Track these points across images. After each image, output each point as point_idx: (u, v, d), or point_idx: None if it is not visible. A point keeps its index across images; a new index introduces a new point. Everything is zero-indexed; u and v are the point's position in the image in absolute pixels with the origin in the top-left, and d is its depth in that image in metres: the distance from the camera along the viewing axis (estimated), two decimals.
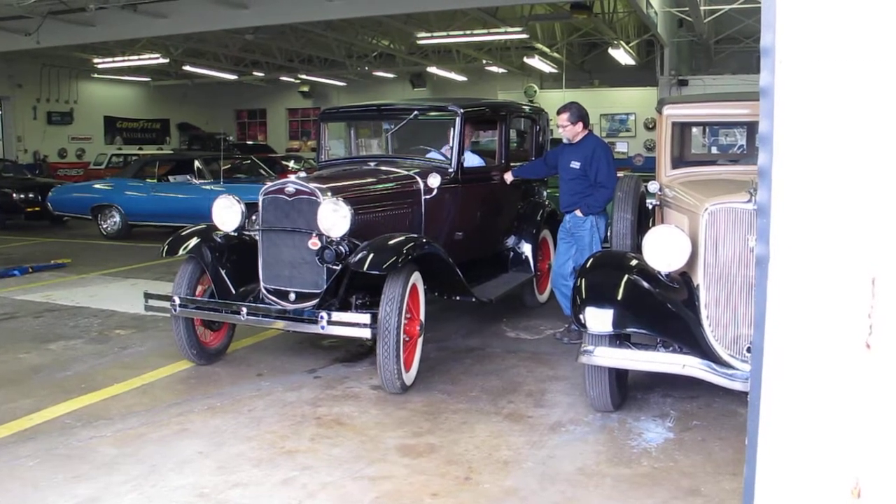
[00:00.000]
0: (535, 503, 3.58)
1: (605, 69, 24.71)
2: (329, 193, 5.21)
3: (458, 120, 6.37)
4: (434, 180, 5.97)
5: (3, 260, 11.14)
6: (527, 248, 7.35)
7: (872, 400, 1.25)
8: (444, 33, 18.47)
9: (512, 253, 7.40)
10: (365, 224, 5.30)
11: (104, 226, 13.82)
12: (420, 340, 5.31)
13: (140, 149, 26.93)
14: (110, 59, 21.93)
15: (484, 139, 8.41)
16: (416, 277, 5.20)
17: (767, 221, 1.40)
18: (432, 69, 24.85)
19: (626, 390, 4.91)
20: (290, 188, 5.34)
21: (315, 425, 4.49)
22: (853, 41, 1.31)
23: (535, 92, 23.34)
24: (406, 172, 6.16)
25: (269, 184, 5.53)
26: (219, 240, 5.65)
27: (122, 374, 5.44)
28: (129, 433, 4.36)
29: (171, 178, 13.76)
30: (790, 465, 1.36)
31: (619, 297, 4.44)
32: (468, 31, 18.38)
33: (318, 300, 5.18)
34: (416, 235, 5.48)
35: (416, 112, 6.69)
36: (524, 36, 18.50)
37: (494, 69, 24.96)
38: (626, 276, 4.54)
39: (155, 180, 13.84)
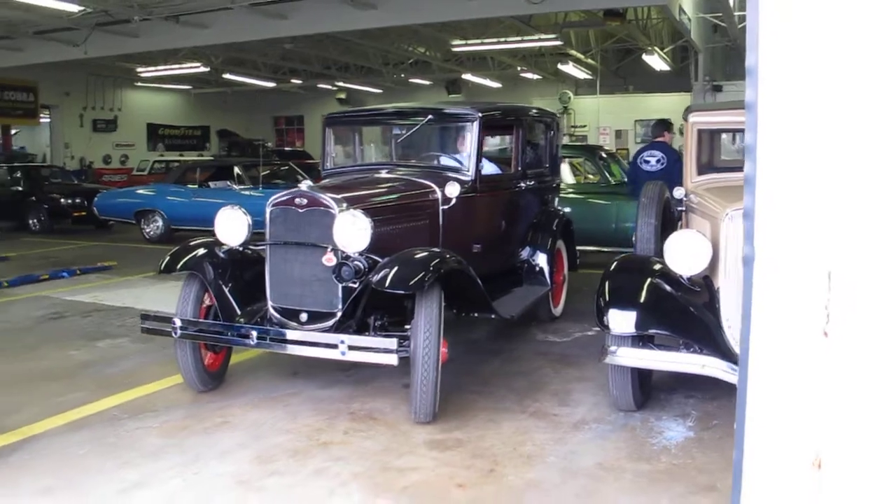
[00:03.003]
0: (556, 495, 3.75)
1: (639, 75, 24.73)
2: (345, 205, 4.82)
3: (476, 124, 5.98)
4: (453, 189, 5.63)
5: (53, 262, 11.56)
6: (542, 260, 6.99)
7: (830, 382, 1.42)
8: (479, 41, 18.70)
9: (526, 265, 7.00)
10: (383, 237, 4.83)
11: (147, 230, 14.22)
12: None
13: (181, 155, 27.50)
14: (153, 68, 22.51)
15: (493, 145, 8.11)
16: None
17: (752, 224, 1.57)
18: (467, 76, 25.06)
19: (650, 391, 5.05)
20: (302, 199, 4.90)
21: (348, 420, 4.70)
22: (827, 63, 1.47)
23: (570, 98, 23.43)
24: (422, 181, 5.77)
25: (278, 194, 5.07)
26: (222, 255, 5.18)
27: (165, 370, 5.64)
28: (173, 425, 4.60)
29: (211, 183, 14.13)
30: (767, 442, 1.53)
31: (642, 300, 4.59)
32: (502, 39, 18.59)
33: (333, 321, 4.80)
34: (440, 250, 5.03)
35: (429, 116, 6.27)
36: (558, 43, 18.65)
37: (529, 76, 25.11)
38: (648, 280, 4.69)
39: (196, 186, 14.24)
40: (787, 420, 1.48)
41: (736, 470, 1.58)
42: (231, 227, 5.13)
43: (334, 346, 4.50)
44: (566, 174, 11.41)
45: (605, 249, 9.86)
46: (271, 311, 4.98)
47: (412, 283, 4.44)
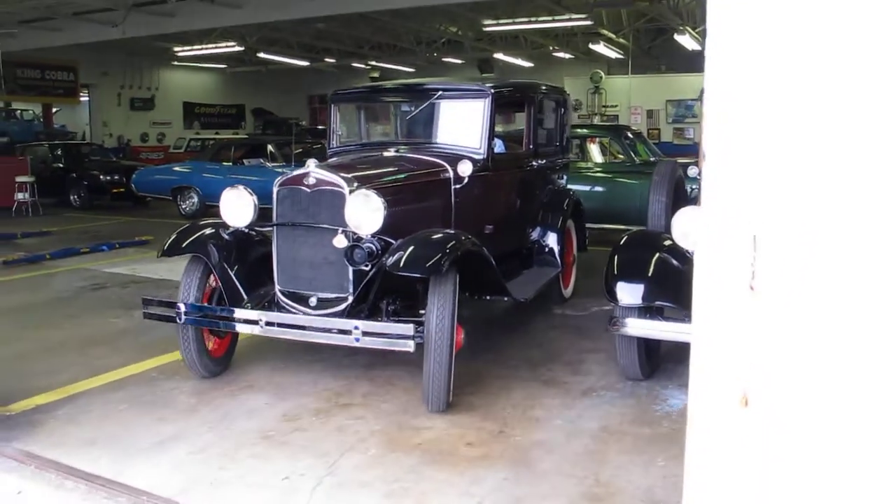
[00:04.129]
0: (560, 453, 4.01)
1: (672, 54, 24.61)
2: (356, 184, 4.66)
3: (488, 101, 5.79)
4: (465, 168, 5.45)
5: (92, 237, 12.01)
6: (553, 241, 6.85)
7: (756, 330, 1.66)
8: (510, 20, 18.79)
9: (536, 246, 6.85)
10: (395, 218, 4.62)
11: (183, 206, 14.63)
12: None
13: (217, 133, 27.94)
14: (189, 48, 22.86)
15: (503, 123, 7.86)
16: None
17: (700, 195, 1.81)
18: (499, 55, 25.14)
19: (658, 362, 5.26)
20: (311, 178, 4.71)
21: (368, 385, 4.98)
22: (762, 31, 1.68)
23: (601, 78, 23.41)
24: (434, 160, 5.60)
25: (286, 174, 4.93)
26: (227, 237, 4.99)
27: None
28: (204, 386, 4.92)
29: (245, 161, 14.48)
30: (705, 387, 1.77)
31: (650, 273, 4.80)
32: (533, 18, 18.65)
33: (344, 306, 4.65)
34: (455, 231, 4.91)
35: (439, 92, 6.01)
36: (589, 23, 18.69)
37: (561, 55, 25.12)
38: (657, 254, 4.90)
39: (231, 163, 14.59)
40: (720, 365, 1.71)
41: (689, 415, 1.82)
42: (236, 207, 4.97)
43: (347, 333, 4.35)
44: (595, 153, 11.59)
45: (632, 228, 10.04)
46: (279, 295, 4.85)
47: (429, 265, 4.28)
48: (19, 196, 15.09)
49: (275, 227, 4.87)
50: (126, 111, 27.58)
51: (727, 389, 1.68)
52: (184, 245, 4.90)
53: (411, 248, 4.37)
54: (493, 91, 5.85)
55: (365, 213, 4.49)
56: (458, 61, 27.61)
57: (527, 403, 4.71)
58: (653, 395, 4.84)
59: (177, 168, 15.66)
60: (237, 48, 22.41)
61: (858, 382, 1.60)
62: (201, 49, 22.60)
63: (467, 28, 22.31)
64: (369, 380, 5.09)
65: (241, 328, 4.76)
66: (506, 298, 5.53)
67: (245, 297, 4.87)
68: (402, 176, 5.34)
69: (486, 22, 19.28)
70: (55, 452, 3.95)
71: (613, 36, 21.59)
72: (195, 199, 14.50)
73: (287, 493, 3.55)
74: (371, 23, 21.25)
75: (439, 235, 4.69)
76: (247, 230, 5.05)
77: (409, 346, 4.22)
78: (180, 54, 24.15)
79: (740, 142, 1.65)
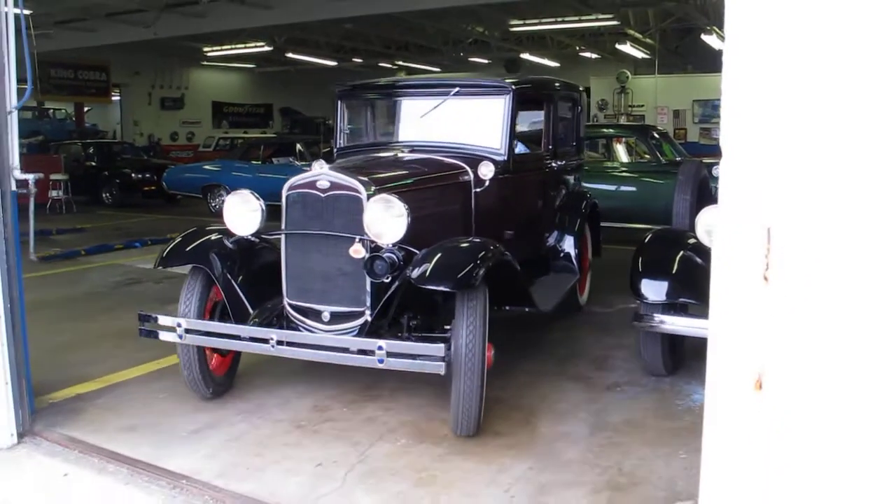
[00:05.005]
0: (583, 444, 4.12)
1: (699, 54, 24.50)
2: (374, 188, 4.28)
3: (508, 98, 5.42)
4: (487, 170, 5.17)
5: (125, 234, 12.26)
6: (571, 246, 6.51)
7: (769, 316, 1.76)
8: (537, 20, 18.86)
9: (553, 251, 6.51)
10: (416, 225, 4.20)
11: (213, 204, 14.86)
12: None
13: (245, 132, 28.26)
14: (219, 48, 23.15)
15: (521, 122, 6.96)
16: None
17: (718, 189, 1.91)
18: (526, 55, 25.20)
19: (681, 358, 5.34)
20: (324, 181, 4.32)
21: (396, 380, 5.06)
22: (777, 29, 1.78)
23: (628, 77, 23.42)
24: (453, 161, 5.23)
25: (297, 176, 4.49)
26: (231, 246, 4.60)
27: None
28: (238, 378, 5.07)
29: (274, 160, 14.70)
30: (722, 371, 1.87)
31: (674, 270, 4.89)
32: (560, 18, 18.69)
33: (361, 321, 4.27)
34: (484, 240, 4.47)
35: (456, 89, 5.60)
36: (615, 23, 18.71)
37: (587, 55, 25.13)
38: (681, 252, 4.98)
39: (259, 162, 14.81)
40: (735, 350, 1.81)
41: (706, 397, 1.93)
42: (242, 214, 4.57)
43: (370, 353, 3.94)
44: (621, 153, 11.66)
45: (656, 227, 10.11)
46: (287, 309, 4.47)
47: (460, 278, 3.92)
48: (53, 193, 15.39)
49: (284, 236, 4.49)
50: (156, 110, 27.98)
51: (742, 373, 1.78)
52: (184, 254, 4.57)
53: (438, 259, 4.02)
54: (514, 87, 5.49)
55: (387, 220, 4.12)
56: (485, 61, 27.69)
57: (553, 397, 4.82)
58: (675, 391, 4.92)
59: (207, 166, 15.90)
60: (266, 48, 22.65)
61: (868, 369, 1.69)
62: (231, 49, 22.88)
63: (494, 28, 22.38)
64: (398, 375, 5.20)
65: (250, 347, 4.29)
66: (527, 309, 5.16)
67: (251, 311, 4.48)
68: (421, 179, 4.95)
69: (513, 22, 19.35)
70: (97, 438, 4.12)
71: (640, 36, 21.57)
72: (225, 197, 14.68)
73: (320, 479, 3.69)
74: (398, 23, 21.39)
75: (468, 244, 4.35)
76: (252, 238, 4.64)
77: (440, 368, 3.82)
78: (210, 54, 24.45)
79: (755, 139, 1.75)
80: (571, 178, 7.12)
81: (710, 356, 1.85)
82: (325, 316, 4.35)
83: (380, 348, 3.89)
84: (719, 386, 1.84)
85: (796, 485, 1.79)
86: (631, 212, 10.00)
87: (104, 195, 16.99)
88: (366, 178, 4.36)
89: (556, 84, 6.79)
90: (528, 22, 19.05)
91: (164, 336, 4.34)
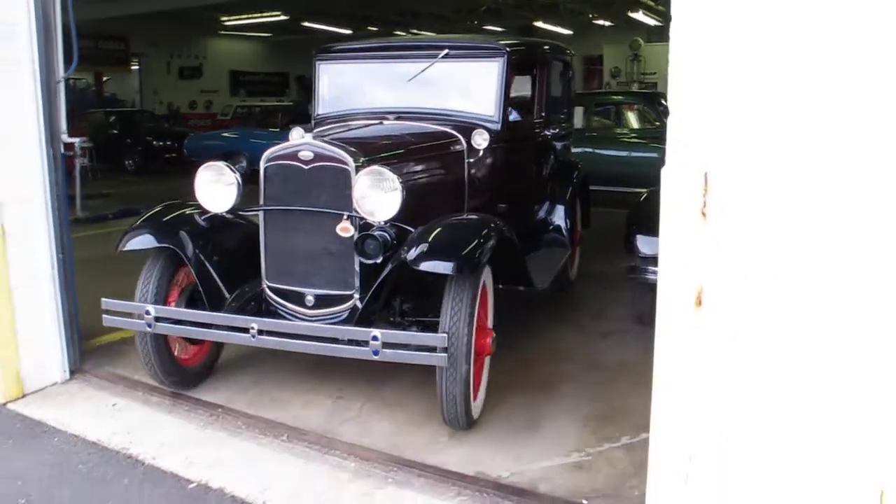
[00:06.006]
0: (580, 380, 4.58)
1: None
2: (363, 159, 3.88)
3: (502, 61, 5.03)
4: (481, 139, 4.81)
5: (148, 198, 12.70)
6: (562, 219, 6.17)
7: (706, 245, 2.16)
8: None
9: (544, 224, 6.18)
10: (410, 198, 3.83)
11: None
12: (487, 359, 4.12)
13: (262, 100, 28.60)
14: (236, 17, 23.46)
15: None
16: (485, 273, 3.95)
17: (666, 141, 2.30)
18: (538, 23, 25.35)
19: None
20: (306, 152, 3.89)
21: None
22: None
23: (640, 45, 23.55)
24: (444, 129, 4.82)
25: (276, 147, 4.03)
26: (203, 224, 4.20)
27: None
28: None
29: (291, 127, 15.07)
30: (666, 291, 2.28)
31: None
32: None
33: (349, 304, 3.90)
34: (485, 217, 4.18)
35: (446, 51, 5.09)
36: None
37: (601, 22, 25.25)
38: None
39: (277, 129, 15.21)
40: (680, 273, 2.21)
41: (657, 314, 2.34)
42: (216, 188, 4.14)
43: (363, 344, 3.52)
44: (631, 119, 12.03)
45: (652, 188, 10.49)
46: (267, 292, 4.09)
47: (461, 259, 3.61)
48: (80, 160, 15.84)
49: (262, 213, 4.08)
50: (175, 80, 28.33)
51: (685, 292, 2.20)
52: (148, 234, 4.08)
53: (436, 238, 3.71)
54: (508, 50, 5.10)
55: (378, 194, 3.74)
56: (498, 29, 27.85)
57: (554, 342, 5.26)
58: None
59: (225, 134, 16.32)
60: (282, 17, 22.94)
61: (785, 287, 2.09)
62: (248, 18, 23.18)
63: None
64: None
65: (227, 337, 3.91)
66: (521, 288, 4.72)
67: (227, 295, 4.10)
68: (413, 149, 4.55)
69: None
70: (140, 376, 4.57)
71: (652, 3, 21.69)
72: (244, 164, 15.02)
73: (339, 410, 4.15)
74: None
75: (467, 221, 4.08)
76: (228, 215, 4.21)
77: (442, 360, 3.49)
78: (227, 24, 24.76)
79: (694, 100, 2.14)
80: (562, 148, 6.76)
81: (660, 280, 2.26)
82: (309, 300, 3.97)
83: (374, 338, 3.47)
84: (667, 304, 2.25)
85: (728, 385, 2.21)
86: (637, 176, 10.35)
87: (127, 162, 17.46)
88: (353, 149, 3.94)
89: (548, 47, 6.41)
90: None
91: (131, 324, 3.96)
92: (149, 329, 3.89)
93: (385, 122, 4.97)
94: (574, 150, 10.36)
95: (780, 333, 2.12)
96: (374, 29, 27.80)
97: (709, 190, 2.11)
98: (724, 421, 2.22)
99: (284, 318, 4.01)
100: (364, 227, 3.81)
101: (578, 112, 10.64)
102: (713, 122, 2.10)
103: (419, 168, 4.45)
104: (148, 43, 26.65)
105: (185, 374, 4.43)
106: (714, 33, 2.10)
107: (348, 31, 27.51)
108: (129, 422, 4.08)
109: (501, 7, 23.53)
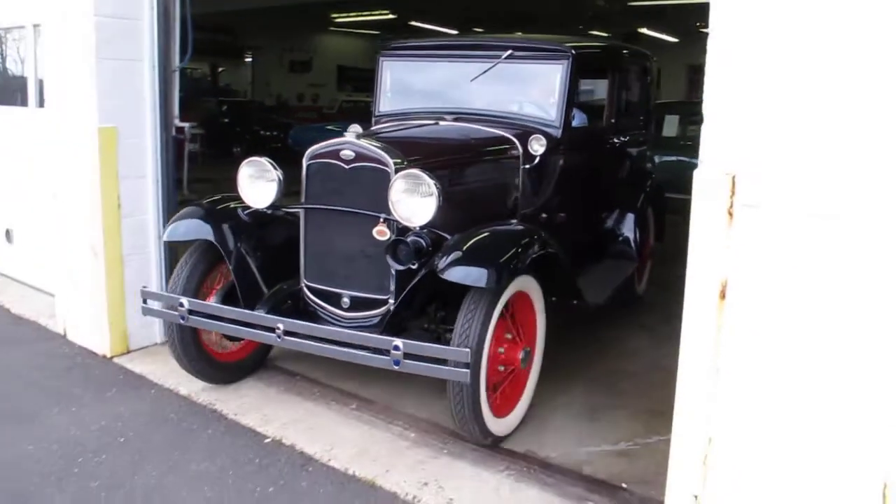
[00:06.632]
0: (640, 378, 4.80)
1: None
2: (404, 161, 3.78)
3: (567, 63, 4.81)
4: (538, 144, 4.57)
5: None
6: (631, 231, 5.91)
7: (731, 241, 2.35)
8: None
9: (610, 236, 5.92)
10: (451, 204, 3.76)
11: None
12: (535, 374, 4.09)
13: (368, 96, 29.24)
14: (346, 15, 24.19)
15: (582, 91, 5.88)
16: (525, 283, 3.89)
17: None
18: (644, 30, 25.19)
19: None
20: (348, 151, 3.82)
21: None
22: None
23: None
24: (501, 133, 4.65)
25: (319, 144, 3.99)
26: (245, 219, 4.17)
27: None
28: None
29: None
30: (694, 282, 2.48)
31: None
32: None
33: (383, 310, 3.83)
34: (527, 227, 4.05)
35: (509, 51, 4.93)
36: None
37: (706, 30, 24.84)
38: None
39: None
40: (706, 267, 2.41)
41: (685, 304, 2.53)
42: (256, 185, 4.11)
43: (384, 353, 3.44)
44: None
45: None
46: (305, 291, 4.08)
47: (490, 272, 3.45)
48: (190, 146, 16.75)
49: (303, 211, 4.04)
50: (285, 73, 29.40)
51: (710, 285, 2.39)
52: (190, 226, 4.13)
53: (469, 248, 3.56)
54: (574, 52, 4.87)
55: (414, 198, 3.63)
56: (604, 34, 27.78)
57: (620, 339, 5.46)
58: None
59: (329, 127, 16.91)
60: (390, 16, 23.53)
61: (804, 283, 2.27)
62: (358, 16, 23.88)
63: (613, 2, 22.49)
64: None
65: (255, 335, 3.87)
66: (575, 302, 4.52)
67: (265, 290, 4.09)
68: (461, 152, 4.44)
69: None
70: None
71: None
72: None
73: (405, 385, 4.45)
74: None
75: (505, 232, 3.90)
76: (269, 211, 4.13)
77: (465, 376, 3.36)
78: (338, 20, 25.54)
79: (725, 110, 2.34)
80: (636, 156, 6.46)
81: (688, 273, 2.46)
82: (345, 302, 3.93)
83: (396, 348, 3.38)
84: (693, 295, 2.45)
85: (746, 372, 2.39)
86: None
87: (235, 150, 18.30)
88: (396, 150, 3.84)
89: (624, 51, 6.26)
90: None
91: (166, 315, 4.04)
92: (182, 321, 3.90)
93: (441, 122, 4.82)
94: (667, 158, 10.48)
95: (794, 325, 2.28)
96: (480, 31, 28.14)
97: (735, 192, 2.30)
98: (742, 406, 2.41)
99: (321, 318, 3.99)
100: (402, 230, 3.70)
101: (672, 120, 10.71)
102: (740, 130, 2.29)
103: (466, 173, 4.33)
104: (262, 36, 27.73)
105: (222, 370, 4.43)
106: (740, 54, 2.29)
107: (454, 32, 27.94)
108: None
109: (608, 13, 23.48)
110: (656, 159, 10.47)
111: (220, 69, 29.15)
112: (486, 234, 3.71)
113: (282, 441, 3.84)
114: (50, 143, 5.19)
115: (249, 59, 29.22)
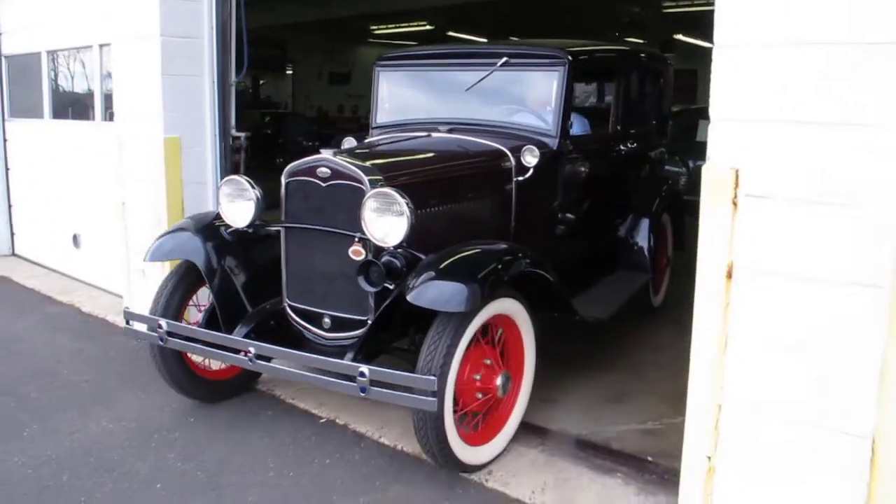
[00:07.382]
0: (668, 367, 5.08)
1: None
2: (380, 178, 3.65)
3: (564, 69, 4.61)
4: (531, 156, 4.35)
5: None
6: (644, 240, 5.67)
7: (736, 227, 2.66)
8: (689, 1, 19.18)
9: (623, 246, 5.70)
10: (432, 222, 3.77)
11: None
12: (522, 401, 3.93)
13: None
14: (385, 27, 24.71)
15: (585, 97, 6.04)
16: (506, 306, 3.69)
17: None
18: (679, 36, 25.32)
19: None
20: (324, 169, 3.73)
21: None
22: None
23: None
24: (493, 145, 4.46)
25: (297, 161, 3.90)
26: (227, 238, 4.16)
27: None
28: None
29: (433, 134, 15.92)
30: (706, 263, 2.79)
31: None
32: None
33: (362, 333, 3.70)
34: (506, 246, 3.83)
35: (504, 58, 4.76)
36: None
37: None
38: None
39: None
40: (715, 249, 2.72)
41: (696, 283, 2.83)
42: (234, 204, 4.08)
43: (350, 379, 3.32)
44: None
45: None
46: (288, 311, 4.02)
47: (458, 296, 3.28)
48: (235, 156, 17.30)
49: (283, 229, 3.97)
50: (325, 84, 30.02)
51: (718, 266, 2.70)
52: (170, 246, 4.16)
53: (439, 271, 3.38)
54: (570, 57, 4.66)
55: (386, 218, 3.52)
56: (640, 41, 27.94)
57: (650, 332, 5.75)
58: None
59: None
60: (428, 27, 23.99)
61: (798, 264, 2.57)
62: (396, 28, 24.38)
63: (649, 8, 22.69)
64: None
65: (228, 358, 3.81)
66: (577, 317, 4.34)
67: (249, 310, 4.08)
68: (443, 166, 4.25)
69: (666, 3, 19.74)
70: None
71: None
72: None
73: None
74: (556, 2, 22.11)
75: (481, 251, 3.65)
76: (250, 230, 4.13)
77: (432, 405, 3.22)
78: (376, 32, 26.07)
79: (730, 111, 2.65)
80: (649, 162, 6.18)
81: (698, 256, 2.77)
82: (326, 322, 3.87)
83: (362, 375, 3.27)
84: (704, 276, 2.76)
85: (751, 344, 2.70)
86: None
87: (277, 160, 18.82)
88: (370, 166, 3.74)
89: (631, 54, 6.04)
90: (680, 3, 19.39)
91: (147, 336, 4.00)
92: (161, 343, 3.90)
93: (434, 134, 4.72)
94: (702, 163, 10.68)
95: (792, 300, 2.59)
96: (516, 39, 28.42)
97: (739, 184, 2.61)
98: (747, 375, 2.71)
99: (305, 338, 3.96)
100: (378, 250, 3.60)
101: (703, 125, 10.93)
102: (743, 130, 2.60)
103: (451, 187, 4.13)
104: (302, 49, 28.37)
105: (209, 388, 4.42)
106: (740, 61, 2.60)
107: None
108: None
109: (644, 20, 23.67)
110: (690, 164, 10.69)
111: (262, 81, 29.87)
112: (460, 254, 3.55)
113: (335, 421, 4.22)
114: (118, 153, 5.65)
115: (290, 72, 29.87)
